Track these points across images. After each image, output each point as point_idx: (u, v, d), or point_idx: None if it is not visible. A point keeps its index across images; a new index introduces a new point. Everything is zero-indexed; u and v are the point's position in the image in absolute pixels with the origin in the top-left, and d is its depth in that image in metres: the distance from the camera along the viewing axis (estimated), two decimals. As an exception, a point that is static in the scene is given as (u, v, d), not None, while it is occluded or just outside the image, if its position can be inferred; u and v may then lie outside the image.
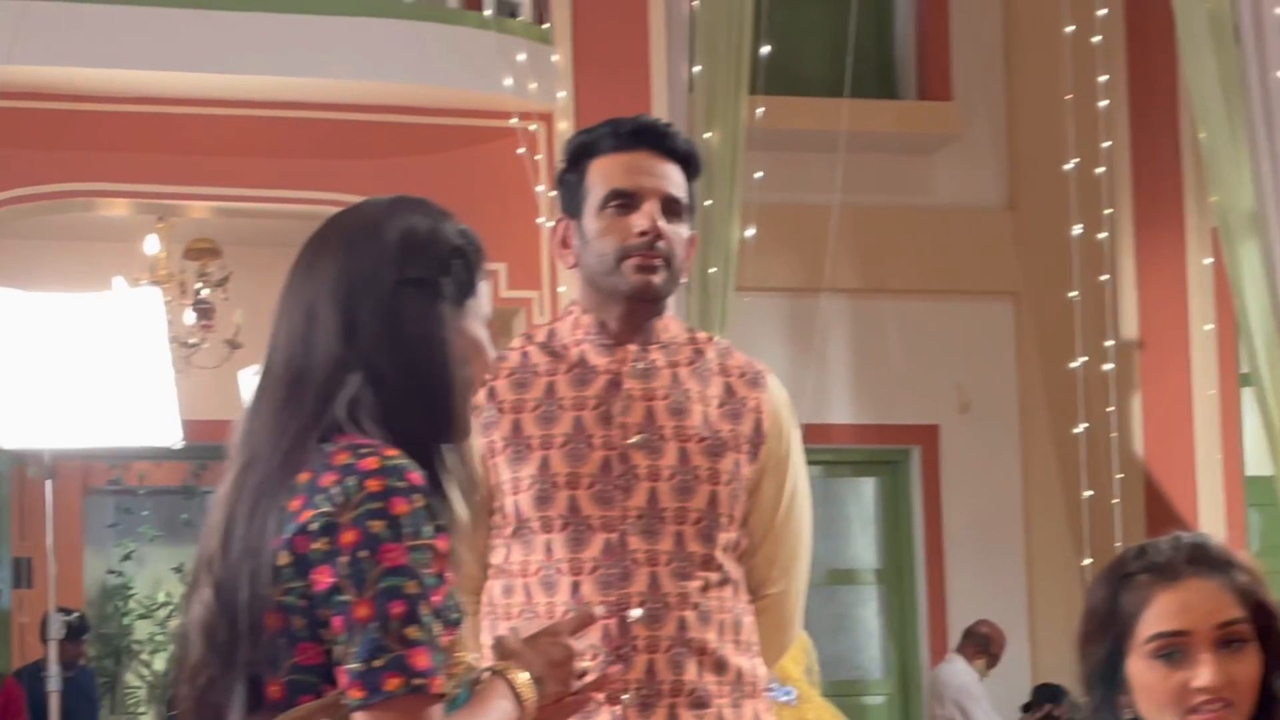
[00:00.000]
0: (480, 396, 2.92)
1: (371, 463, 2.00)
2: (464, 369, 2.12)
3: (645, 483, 2.95)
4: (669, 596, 2.93)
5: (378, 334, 2.09)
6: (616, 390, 2.99)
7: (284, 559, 2.00)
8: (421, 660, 1.95)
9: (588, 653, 2.26)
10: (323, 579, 1.98)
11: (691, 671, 2.94)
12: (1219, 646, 2.22)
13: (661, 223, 2.96)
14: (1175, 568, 2.24)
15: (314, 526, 1.98)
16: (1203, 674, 2.20)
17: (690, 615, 2.94)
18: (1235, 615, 2.22)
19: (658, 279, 2.97)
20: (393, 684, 1.94)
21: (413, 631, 1.95)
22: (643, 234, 2.95)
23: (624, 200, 2.97)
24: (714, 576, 2.99)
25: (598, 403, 2.98)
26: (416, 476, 2.01)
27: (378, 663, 1.94)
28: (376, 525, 1.96)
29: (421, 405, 2.09)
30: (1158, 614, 2.23)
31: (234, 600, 2.02)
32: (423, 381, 2.09)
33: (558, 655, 2.21)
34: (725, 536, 3.00)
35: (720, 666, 2.97)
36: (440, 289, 2.13)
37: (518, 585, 2.96)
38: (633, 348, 3.01)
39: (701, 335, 3.13)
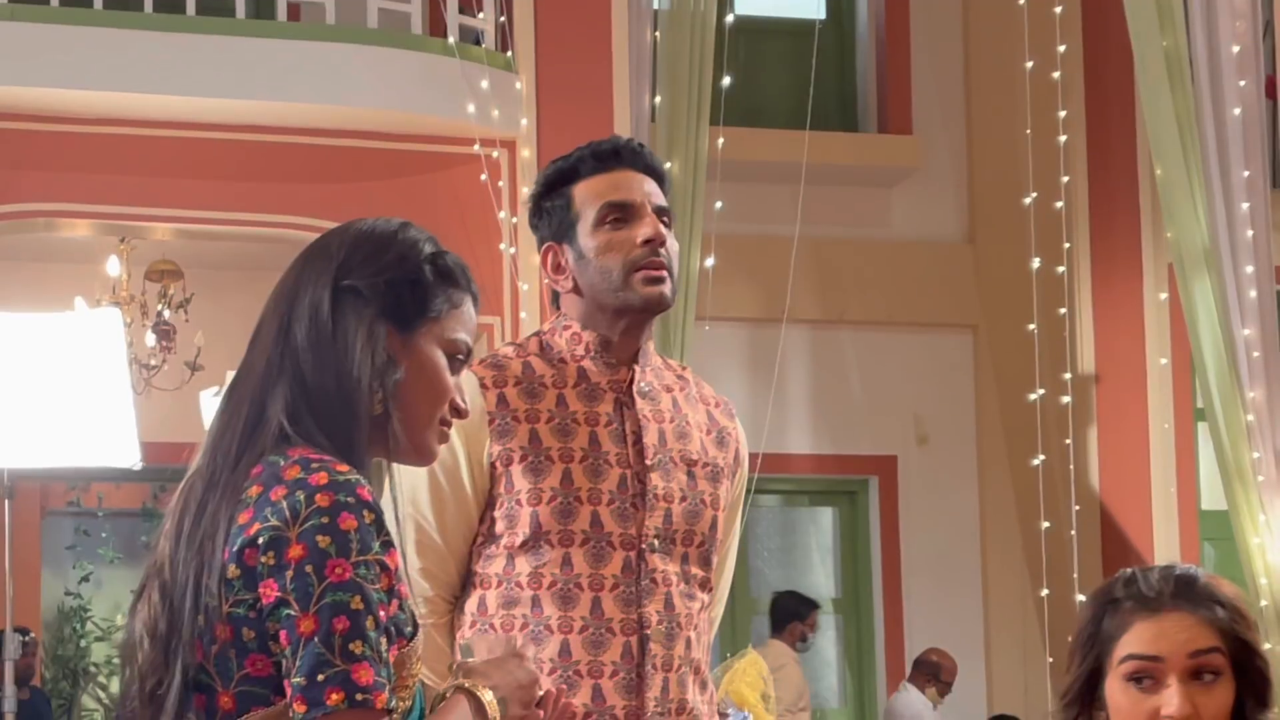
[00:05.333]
0: (490, 403, 2.95)
1: (321, 478, 2.01)
2: (383, 384, 2.11)
3: (662, 503, 2.97)
4: (680, 616, 2.97)
5: (305, 337, 2.10)
6: (628, 409, 3.00)
7: (233, 571, 2.01)
8: (364, 676, 1.95)
9: (545, 680, 2.28)
10: (270, 593, 1.98)
11: (691, 691, 2.99)
12: (1190, 677, 2.28)
13: (662, 230, 3.00)
14: (1159, 598, 2.31)
15: (261, 540, 1.99)
16: (1170, 701, 2.26)
17: (692, 635, 2.99)
18: (1209, 646, 2.28)
19: (667, 289, 2.98)
20: (334, 699, 1.94)
21: (356, 647, 1.95)
22: (647, 241, 2.97)
23: (621, 213, 2.99)
24: (706, 598, 3.04)
25: (609, 420, 2.99)
26: (366, 492, 2.02)
27: (320, 677, 1.95)
28: (323, 540, 1.97)
29: (338, 413, 2.09)
30: (1134, 638, 2.30)
31: (180, 604, 2.03)
32: (338, 388, 2.09)
33: (524, 678, 2.21)
34: (715, 560, 3.06)
35: (704, 686, 3.03)
36: (376, 300, 2.12)
37: (524, 597, 2.94)
38: (636, 368, 3.03)
39: (675, 363, 3.17)
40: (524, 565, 2.94)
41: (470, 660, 2.23)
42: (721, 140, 8.22)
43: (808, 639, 9.74)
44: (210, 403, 7.92)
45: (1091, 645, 2.34)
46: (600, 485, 2.95)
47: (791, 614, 9.64)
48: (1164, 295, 9.88)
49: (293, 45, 7.97)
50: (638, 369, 3.03)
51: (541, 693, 2.25)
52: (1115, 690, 2.31)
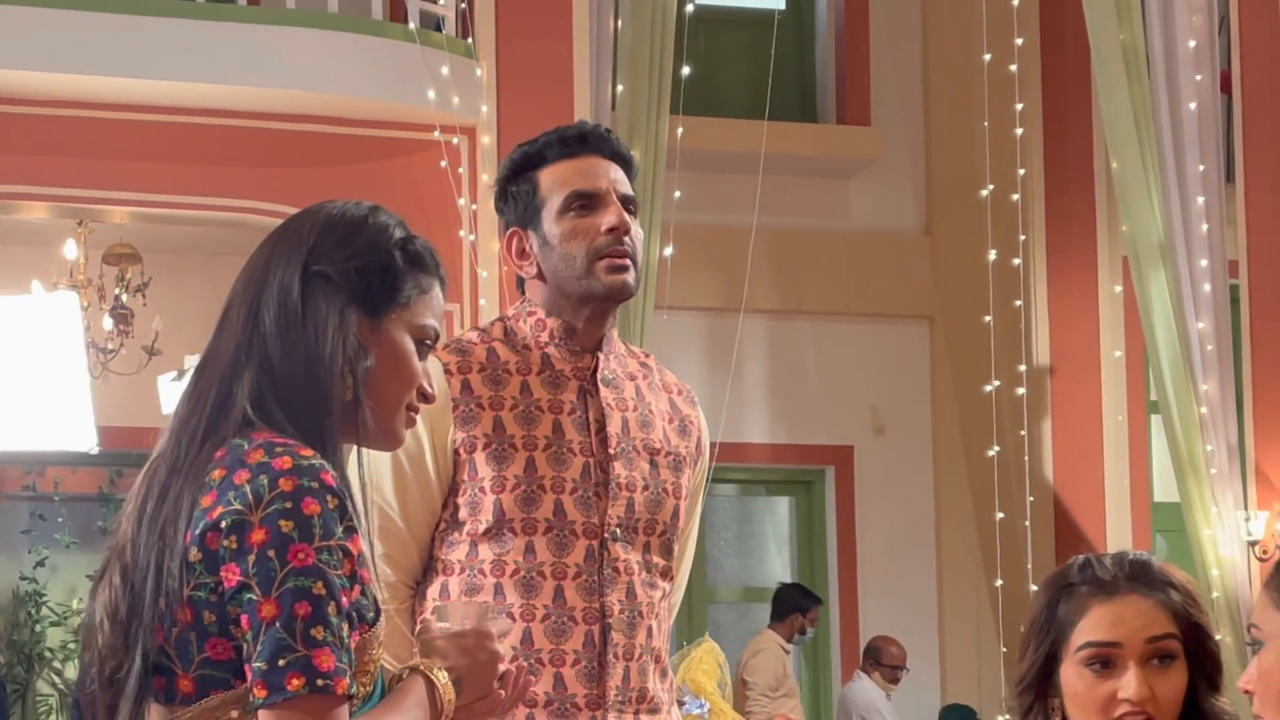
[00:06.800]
0: (455, 389, 2.94)
1: (285, 462, 2.00)
2: (354, 371, 2.10)
3: (624, 492, 2.97)
4: (641, 605, 2.97)
5: (274, 322, 2.09)
6: (591, 397, 3.00)
7: (195, 555, 2.00)
8: (326, 661, 1.95)
9: (509, 659, 2.24)
10: (232, 577, 1.98)
11: (652, 679, 2.99)
12: (1147, 661, 2.30)
13: (626, 218, 2.99)
14: (1114, 583, 2.33)
15: (224, 524, 1.99)
16: (1128, 686, 2.28)
17: (654, 624, 2.99)
18: (1165, 631, 2.30)
19: (630, 277, 2.98)
20: (295, 684, 1.94)
21: (318, 632, 1.95)
22: (612, 230, 2.96)
23: (586, 201, 2.98)
24: (667, 587, 3.05)
25: (572, 408, 2.98)
26: (330, 477, 2.01)
27: (281, 662, 1.94)
28: (286, 525, 1.97)
29: (306, 399, 2.08)
30: (1092, 624, 2.32)
31: (141, 587, 2.03)
32: (307, 374, 2.08)
33: (483, 659, 2.19)
34: (676, 548, 3.06)
35: (664, 674, 3.04)
36: (347, 286, 2.12)
37: (486, 584, 2.93)
38: (600, 356, 3.03)
39: (638, 350, 3.17)
40: (487, 552, 2.94)
41: (442, 625, 2.21)
42: (681, 129, 8.23)
43: (806, 632, 9.84)
44: (168, 387, 7.90)
45: (1047, 631, 2.35)
46: (563, 474, 2.94)
47: (794, 606, 9.76)
48: (1119, 288, 9.94)
49: (253, 29, 7.94)
50: (601, 356, 3.03)
51: (502, 670, 2.23)
52: (1071, 675, 2.32)
